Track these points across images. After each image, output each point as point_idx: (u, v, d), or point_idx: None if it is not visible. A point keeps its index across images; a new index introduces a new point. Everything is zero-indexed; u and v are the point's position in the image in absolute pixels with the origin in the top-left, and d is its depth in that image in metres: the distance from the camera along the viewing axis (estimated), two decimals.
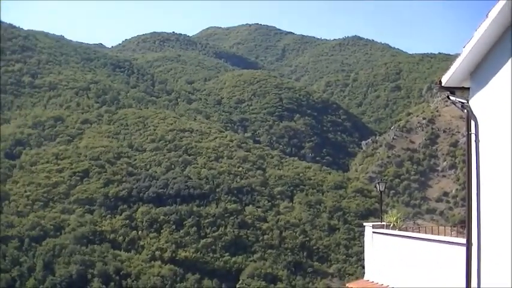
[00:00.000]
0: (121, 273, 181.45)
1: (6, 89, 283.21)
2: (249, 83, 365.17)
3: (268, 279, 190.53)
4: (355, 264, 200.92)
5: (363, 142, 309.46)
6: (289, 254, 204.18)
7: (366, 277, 26.87)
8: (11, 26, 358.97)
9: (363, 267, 28.35)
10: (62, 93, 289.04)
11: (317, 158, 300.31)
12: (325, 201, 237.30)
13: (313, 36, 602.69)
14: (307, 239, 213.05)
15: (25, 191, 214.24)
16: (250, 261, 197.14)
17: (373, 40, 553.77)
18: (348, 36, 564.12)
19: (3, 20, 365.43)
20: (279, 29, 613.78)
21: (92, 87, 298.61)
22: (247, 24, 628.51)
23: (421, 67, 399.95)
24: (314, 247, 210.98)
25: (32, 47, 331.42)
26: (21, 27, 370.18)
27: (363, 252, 28.91)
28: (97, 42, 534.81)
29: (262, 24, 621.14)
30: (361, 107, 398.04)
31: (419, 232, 23.58)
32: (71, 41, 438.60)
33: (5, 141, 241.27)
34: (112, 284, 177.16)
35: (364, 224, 28.10)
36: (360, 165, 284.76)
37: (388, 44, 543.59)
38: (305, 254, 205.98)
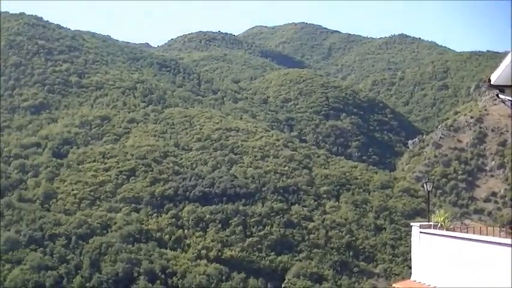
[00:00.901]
0: (167, 271, 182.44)
1: (53, 88, 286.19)
2: (295, 82, 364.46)
3: (313, 279, 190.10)
4: (401, 264, 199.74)
5: (410, 141, 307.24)
6: (335, 253, 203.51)
7: (412, 277, 26.67)
8: (58, 26, 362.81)
9: (410, 268, 28.14)
10: (109, 93, 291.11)
11: (363, 157, 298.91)
12: (372, 200, 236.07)
13: (359, 34, 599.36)
14: (353, 238, 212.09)
15: (72, 190, 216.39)
16: (296, 260, 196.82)
17: (420, 38, 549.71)
18: (394, 35, 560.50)
19: (50, 20, 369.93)
20: (325, 28, 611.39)
21: (138, 87, 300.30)
22: (293, 23, 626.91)
23: (469, 65, 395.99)
24: (360, 247, 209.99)
25: (79, 47, 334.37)
26: (68, 27, 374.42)
27: (409, 252, 28.70)
28: (143, 42, 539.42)
29: (308, 23, 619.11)
30: (407, 106, 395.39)
31: (467, 233, 23.34)
32: (117, 40, 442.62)
33: (53, 140, 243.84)
34: (158, 282, 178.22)
35: (412, 224, 27.89)
36: (406, 164, 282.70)
37: (435, 42, 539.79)
38: (351, 253, 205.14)
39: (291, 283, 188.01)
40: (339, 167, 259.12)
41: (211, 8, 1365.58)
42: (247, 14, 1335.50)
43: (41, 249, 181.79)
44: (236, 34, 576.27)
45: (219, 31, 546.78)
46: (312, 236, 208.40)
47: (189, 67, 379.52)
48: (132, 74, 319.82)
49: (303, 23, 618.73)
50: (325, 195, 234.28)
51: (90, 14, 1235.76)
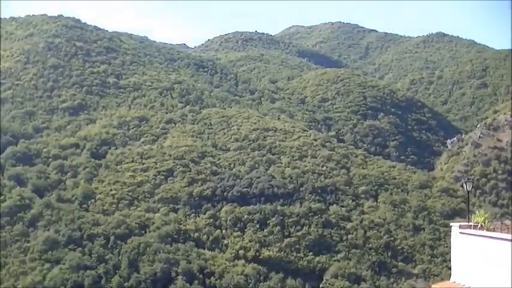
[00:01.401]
0: (205, 271, 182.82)
1: (91, 90, 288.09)
2: (333, 81, 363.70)
3: (351, 279, 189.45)
4: (440, 265, 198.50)
5: (448, 141, 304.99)
6: (373, 253, 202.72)
7: (452, 278, 26.33)
8: (96, 28, 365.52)
9: (449, 268, 27.79)
10: (146, 94, 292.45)
11: (401, 157, 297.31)
12: (410, 200, 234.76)
13: (397, 33, 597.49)
14: (392, 238, 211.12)
15: (110, 190, 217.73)
16: (334, 260, 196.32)
17: (458, 36, 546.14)
18: (432, 33, 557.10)
19: (88, 22, 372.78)
20: (362, 27, 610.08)
21: (175, 87, 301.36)
22: (330, 22, 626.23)
23: (508, 63, 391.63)
24: (398, 247, 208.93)
25: (117, 49, 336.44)
26: (105, 29, 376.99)
27: (448, 253, 28.39)
28: (180, 43, 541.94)
29: (345, 22, 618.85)
30: (446, 105, 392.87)
31: (507, 233, 22.97)
32: (154, 41, 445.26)
33: (91, 141, 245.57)
34: (196, 282, 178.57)
35: (451, 224, 27.55)
36: (445, 164, 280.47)
37: (473, 40, 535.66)
38: (389, 254, 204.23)
39: (328, 283, 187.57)
40: (377, 166, 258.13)
41: (248, 8, 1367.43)
42: (284, 14, 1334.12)
43: (80, 249, 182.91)
44: (273, 34, 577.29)
45: (256, 31, 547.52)
46: (350, 236, 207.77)
47: (226, 67, 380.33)
48: (169, 75, 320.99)
49: (340, 22, 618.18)
50: (363, 195, 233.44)
51: (127, 15, 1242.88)
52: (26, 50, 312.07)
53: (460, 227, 26.14)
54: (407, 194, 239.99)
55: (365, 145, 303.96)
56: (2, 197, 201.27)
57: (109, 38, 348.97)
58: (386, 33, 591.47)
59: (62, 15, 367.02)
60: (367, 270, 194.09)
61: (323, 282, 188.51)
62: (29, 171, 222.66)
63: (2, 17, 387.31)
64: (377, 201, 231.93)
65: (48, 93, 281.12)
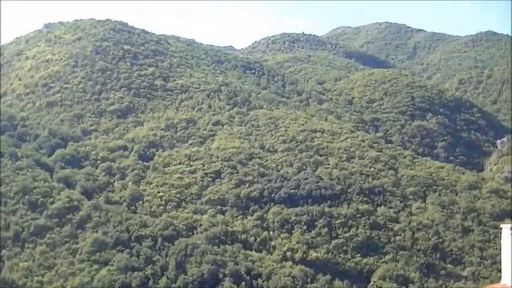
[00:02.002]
0: (252, 273, 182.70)
1: (139, 92, 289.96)
2: (380, 82, 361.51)
3: (399, 281, 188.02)
4: (490, 267, 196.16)
5: (498, 141, 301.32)
6: (422, 255, 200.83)
7: (502, 281, 25.70)
8: (143, 31, 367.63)
9: (499, 271, 27.18)
10: (194, 96, 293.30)
11: (450, 158, 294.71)
12: (459, 201, 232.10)
13: (445, 32, 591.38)
14: (440, 240, 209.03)
15: (158, 192, 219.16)
16: (382, 262, 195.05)
17: (508, 35, 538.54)
18: (481, 32, 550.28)
19: (136, 25, 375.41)
20: (409, 27, 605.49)
21: (223, 89, 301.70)
22: (376, 22, 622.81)
23: None
24: (447, 249, 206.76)
25: (164, 51, 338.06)
26: (153, 32, 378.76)
27: (498, 254, 27.76)
28: (227, 45, 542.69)
29: (392, 22, 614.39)
30: (495, 105, 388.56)
31: None
32: (201, 44, 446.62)
33: (139, 143, 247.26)
34: (243, 283, 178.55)
35: (502, 225, 26.90)
36: (495, 164, 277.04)
37: None
38: (438, 256, 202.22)
39: (376, 285, 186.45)
40: (425, 167, 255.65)
41: (294, 9, 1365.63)
42: (331, 14, 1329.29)
43: (128, 250, 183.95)
44: (320, 35, 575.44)
45: (303, 32, 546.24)
46: (398, 237, 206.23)
47: (273, 69, 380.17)
48: (216, 77, 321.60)
49: (387, 22, 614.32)
50: (411, 197, 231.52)
51: (174, 18, 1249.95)
52: (74, 53, 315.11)
53: (511, 228, 25.50)
54: (456, 195, 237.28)
55: (413, 146, 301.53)
56: (51, 199, 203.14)
57: (156, 41, 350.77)
58: (434, 32, 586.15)
59: (109, 19, 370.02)
60: (415, 272, 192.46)
61: (371, 284, 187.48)
62: (77, 174, 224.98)
63: (51, 21, 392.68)
64: (425, 203, 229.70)
65: (96, 96, 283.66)
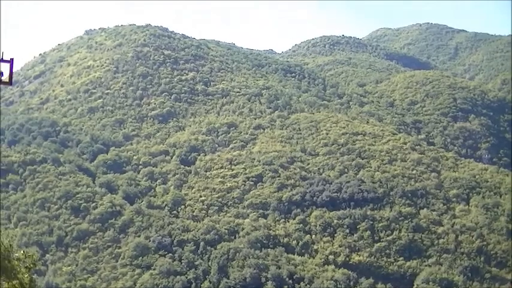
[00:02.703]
0: (294, 277, 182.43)
1: (180, 97, 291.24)
2: (422, 83, 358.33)
3: (443, 285, 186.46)
4: None
5: None
6: (466, 258, 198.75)
7: None
8: (183, 36, 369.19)
9: None
10: (235, 100, 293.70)
11: (494, 159, 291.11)
12: (503, 204, 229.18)
13: (487, 32, 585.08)
14: (485, 243, 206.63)
15: (200, 196, 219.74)
16: (425, 265, 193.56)
17: None
18: None
19: (176, 30, 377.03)
20: (451, 27, 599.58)
21: (263, 93, 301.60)
22: (417, 23, 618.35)
23: None
24: (492, 252, 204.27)
25: (204, 56, 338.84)
26: (193, 37, 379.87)
27: None
28: (267, 48, 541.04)
29: (433, 23, 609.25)
30: None
31: None
32: (241, 48, 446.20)
33: (181, 148, 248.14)
34: (285, 287, 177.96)
35: None
36: None
37: None
38: (482, 259, 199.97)
39: None
40: (468, 169, 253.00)
41: (334, 12, 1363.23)
42: (371, 16, 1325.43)
43: (170, 254, 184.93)
44: (360, 37, 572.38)
45: (343, 35, 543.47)
46: (441, 240, 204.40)
47: (314, 72, 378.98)
48: (257, 81, 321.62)
49: (428, 23, 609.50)
50: (454, 199, 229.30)
51: (214, 23, 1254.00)
52: (116, 59, 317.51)
53: None
54: (500, 197, 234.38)
55: (456, 148, 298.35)
56: (93, 204, 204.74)
57: (197, 46, 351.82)
58: (476, 32, 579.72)
59: (149, 24, 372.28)
60: (459, 276, 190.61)
61: (414, 287, 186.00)
62: (119, 179, 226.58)
63: (92, 28, 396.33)
64: (469, 205, 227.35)
65: (138, 102, 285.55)
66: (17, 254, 28.56)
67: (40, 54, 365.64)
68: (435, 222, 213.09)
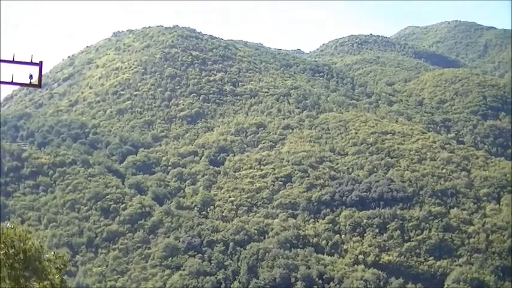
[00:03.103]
0: (324, 277, 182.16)
1: (208, 98, 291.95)
2: (451, 82, 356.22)
3: (474, 285, 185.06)
4: None
5: None
6: (497, 258, 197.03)
7: None
8: (211, 37, 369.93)
9: None
10: (263, 100, 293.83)
11: None
12: None
13: None
14: None
15: (229, 197, 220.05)
16: (456, 265, 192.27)
17: None
18: None
19: (203, 32, 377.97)
20: (480, 25, 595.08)
21: (292, 93, 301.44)
22: (446, 21, 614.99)
23: None
24: None
25: (232, 56, 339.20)
26: (220, 37, 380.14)
27: None
28: (295, 48, 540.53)
29: (462, 20, 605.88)
30: None
31: None
32: (269, 48, 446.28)
33: (209, 149, 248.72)
34: (315, 287, 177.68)
35: None
36: None
37: None
38: None
39: None
40: (499, 168, 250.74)
41: (362, 11, 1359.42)
42: (399, 15, 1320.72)
43: (200, 255, 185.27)
44: (388, 36, 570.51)
45: (371, 34, 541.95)
46: (472, 240, 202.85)
47: (342, 71, 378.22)
48: (285, 81, 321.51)
49: (457, 21, 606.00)
50: (485, 198, 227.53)
51: (241, 23, 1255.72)
52: (144, 61, 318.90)
53: None
54: None
55: (486, 146, 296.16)
56: (123, 205, 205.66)
57: (224, 46, 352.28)
58: (506, 29, 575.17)
59: (177, 25, 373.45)
60: (490, 275, 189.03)
61: (444, 287, 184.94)
62: (148, 180, 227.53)
63: (120, 29, 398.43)
64: (499, 204, 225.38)
65: (166, 103, 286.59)
66: (47, 255, 28.69)
67: (69, 57, 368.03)
68: (465, 221, 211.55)
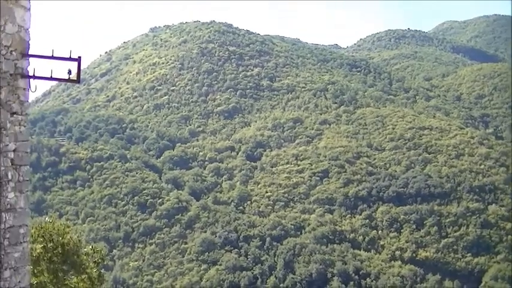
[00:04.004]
0: (360, 272, 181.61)
1: (245, 93, 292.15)
2: (489, 76, 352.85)
3: None
4: None
5: None
6: None
7: None
8: (248, 32, 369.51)
9: None
10: (300, 95, 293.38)
11: None
12: None
13: None
14: None
15: (266, 192, 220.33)
16: (494, 262, 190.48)
17: None
18: None
19: (240, 26, 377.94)
20: None
21: (329, 88, 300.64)
22: (485, 15, 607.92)
23: None
24: None
25: (269, 51, 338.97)
26: (257, 32, 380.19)
27: None
28: (332, 43, 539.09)
29: (501, 14, 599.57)
30: None
31: None
32: (306, 43, 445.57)
33: (246, 144, 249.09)
34: (351, 283, 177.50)
35: None
36: None
37: None
38: None
39: (488, 286, 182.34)
40: None
41: (398, 5, 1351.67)
42: (437, 9, 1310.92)
43: (236, 250, 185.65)
44: (426, 30, 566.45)
45: (409, 28, 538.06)
46: (510, 236, 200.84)
47: (379, 66, 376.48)
48: (322, 76, 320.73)
49: (496, 15, 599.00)
50: None
51: (278, 18, 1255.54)
52: (180, 56, 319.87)
53: None
54: None
55: None
56: (160, 200, 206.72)
57: (261, 41, 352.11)
58: None
59: (214, 20, 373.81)
60: None
61: (482, 284, 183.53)
62: (185, 175, 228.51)
63: (157, 25, 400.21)
64: None
65: (203, 98, 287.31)
66: (85, 249, 28.95)
67: (106, 52, 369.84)
68: (504, 218, 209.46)
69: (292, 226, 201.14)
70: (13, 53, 12.25)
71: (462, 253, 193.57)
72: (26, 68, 12.64)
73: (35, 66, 12.81)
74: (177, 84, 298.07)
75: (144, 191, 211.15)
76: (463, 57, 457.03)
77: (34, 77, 12.76)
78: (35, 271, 24.53)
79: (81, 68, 13.42)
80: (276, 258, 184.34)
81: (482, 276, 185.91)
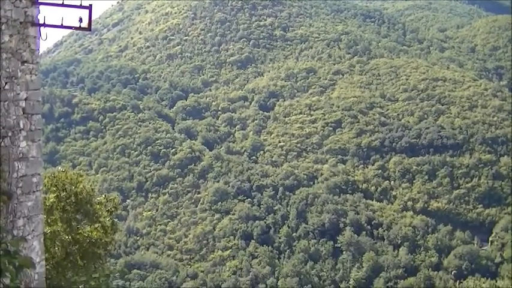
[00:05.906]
0: (372, 222, 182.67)
1: (259, 43, 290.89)
2: (504, 28, 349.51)
3: None
4: None
5: None
6: None
7: None
8: None
9: None
10: (314, 45, 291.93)
11: None
12: None
13: None
14: None
15: (279, 142, 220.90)
16: (505, 213, 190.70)
17: None
18: None
19: None
20: None
21: (343, 38, 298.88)
22: None
23: None
24: None
25: (283, 1, 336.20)
26: None
27: None
28: None
29: None
30: None
31: None
32: None
33: (259, 94, 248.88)
34: (363, 233, 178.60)
35: None
36: None
37: None
38: None
39: (498, 237, 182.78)
40: None
41: None
42: None
43: (249, 199, 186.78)
44: None
45: None
46: None
47: (393, 17, 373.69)
48: (336, 26, 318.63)
49: None
50: None
51: None
52: (193, 6, 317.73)
53: None
54: None
55: None
56: (173, 150, 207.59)
57: None
58: None
59: None
60: None
61: (493, 235, 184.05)
62: (198, 125, 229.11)
63: None
64: None
65: (216, 48, 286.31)
66: (98, 198, 29.06)
67: (118, 2, 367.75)
68: None
69: (305, 176, 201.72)
70: (23, 0, 12.20)
71: (473, 204, 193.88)
72: (36, 16, 12.59)
73: (45, 14, 12.76)
74: (189, 34, 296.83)
75: (157, 141, 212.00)
76: (478, 9, 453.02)
77: (44, 25, 12.71)
78: (49, 220, 24.64)
79: (93, 16, 13.35)
80: (288, 208, 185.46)
81: (493, 227, 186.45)
